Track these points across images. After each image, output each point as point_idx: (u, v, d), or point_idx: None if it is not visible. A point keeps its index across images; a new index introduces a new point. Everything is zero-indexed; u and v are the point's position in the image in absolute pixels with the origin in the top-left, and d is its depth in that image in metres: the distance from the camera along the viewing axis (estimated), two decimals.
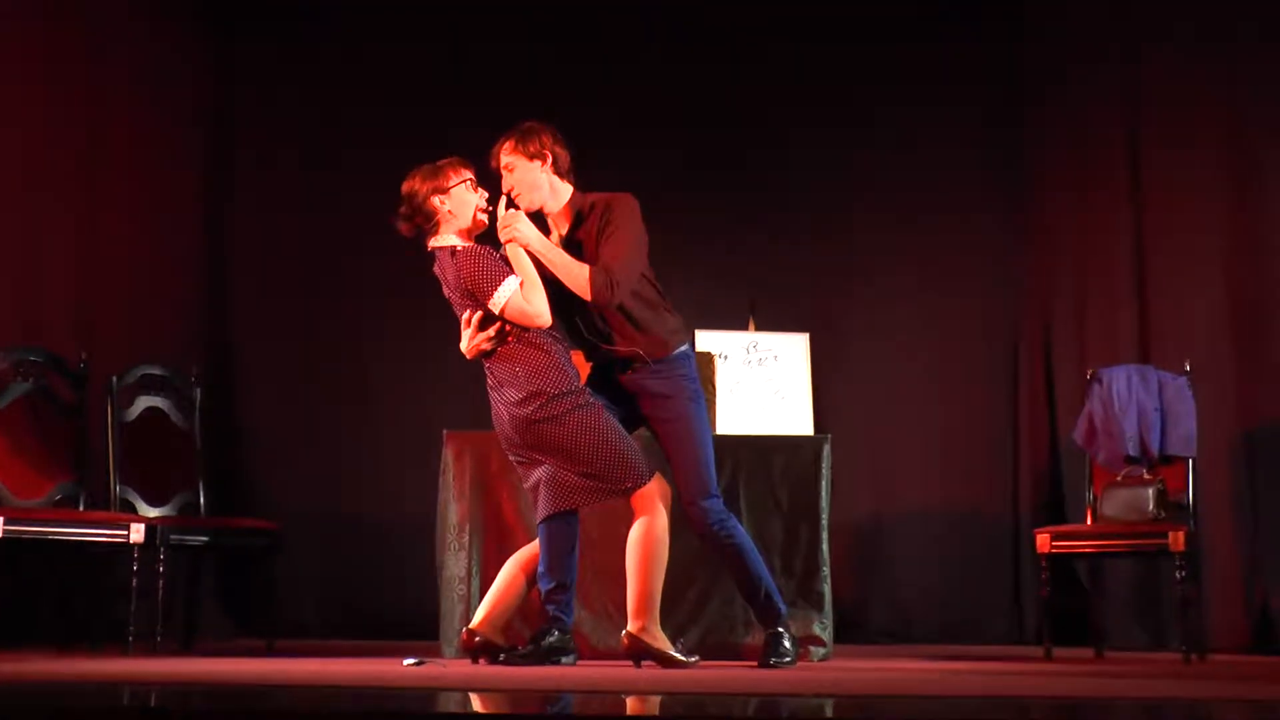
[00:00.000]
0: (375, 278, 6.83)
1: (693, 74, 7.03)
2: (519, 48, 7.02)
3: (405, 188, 4.48)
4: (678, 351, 4.56)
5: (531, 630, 4.55)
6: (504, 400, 4.47)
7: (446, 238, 4.47)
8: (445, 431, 5.19)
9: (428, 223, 4.46)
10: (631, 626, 4.35)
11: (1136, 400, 5.63)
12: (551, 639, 4.42)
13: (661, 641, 4.37)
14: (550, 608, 4.43)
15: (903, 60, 6.99)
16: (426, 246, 4.49)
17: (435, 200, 4.44)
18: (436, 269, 4.50)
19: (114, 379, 5.65)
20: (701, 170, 6.99)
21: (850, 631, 6.27)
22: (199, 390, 5.90)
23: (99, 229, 6.23)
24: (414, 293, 6.70)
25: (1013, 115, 6.92)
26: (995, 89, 6.97)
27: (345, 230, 6.87)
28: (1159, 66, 6.36)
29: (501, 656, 4.45)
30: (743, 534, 4.57)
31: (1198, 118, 6.23)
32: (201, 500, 5.80)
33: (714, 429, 5.24)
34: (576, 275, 4.40)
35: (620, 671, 4.23)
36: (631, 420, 4.57)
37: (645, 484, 4.39)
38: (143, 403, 5.71)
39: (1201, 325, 6.15)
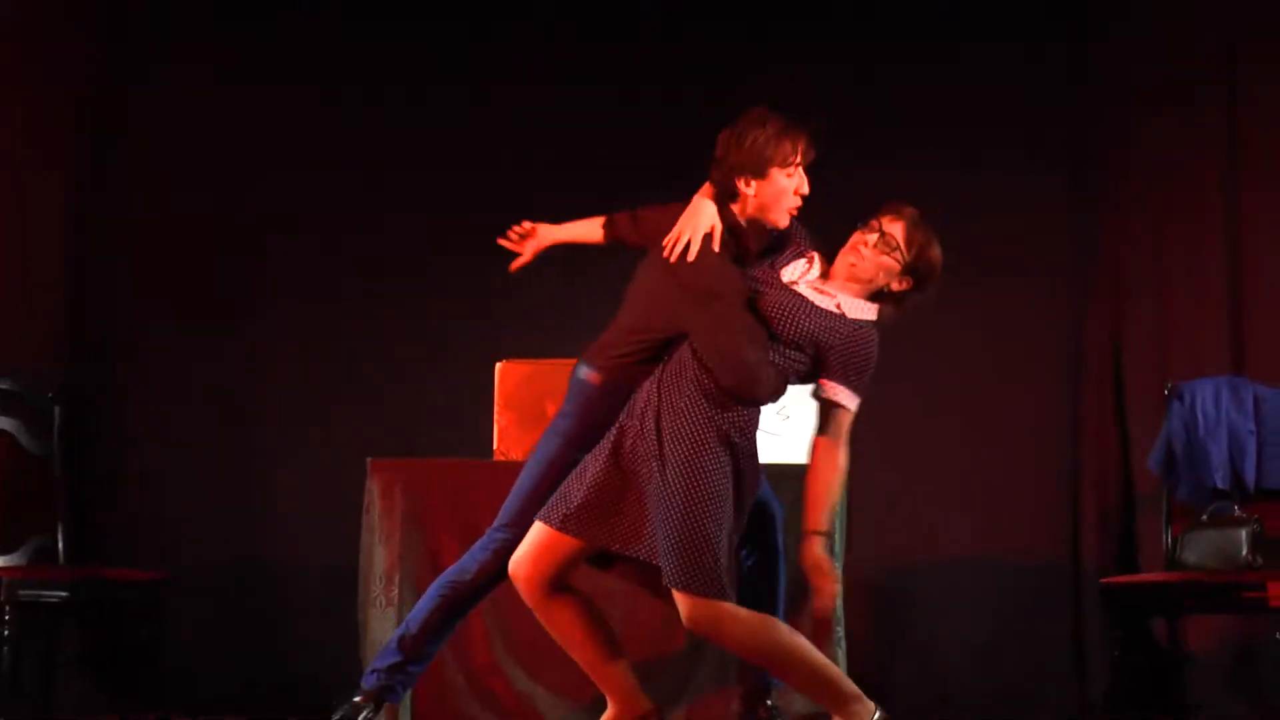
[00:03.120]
0: (283, 280, 6.76)
1: None
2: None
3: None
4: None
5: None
6: None
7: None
8: (370, 460, 5.17)
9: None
10: None
11: (1227, 420, 5.62)
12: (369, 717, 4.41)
13: None
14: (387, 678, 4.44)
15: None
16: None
17: None
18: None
19: None
20: (684, 115, 6.68)
21: None
22: (59, 409, 5.87)
23: None
24: (328, 296, 6.80)
25: (1078, 79, 6.83)
26: (1057, 45, 6.88)
27: (246, 227, 6.80)
28: (1259, 37, 6.39)
29: None
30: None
31: None
32: (60, 545, 5.76)
33: None
34: None
35: None
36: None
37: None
38: None
39: None
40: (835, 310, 4.21)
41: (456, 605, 4.46)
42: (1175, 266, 6.54)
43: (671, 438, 4.10)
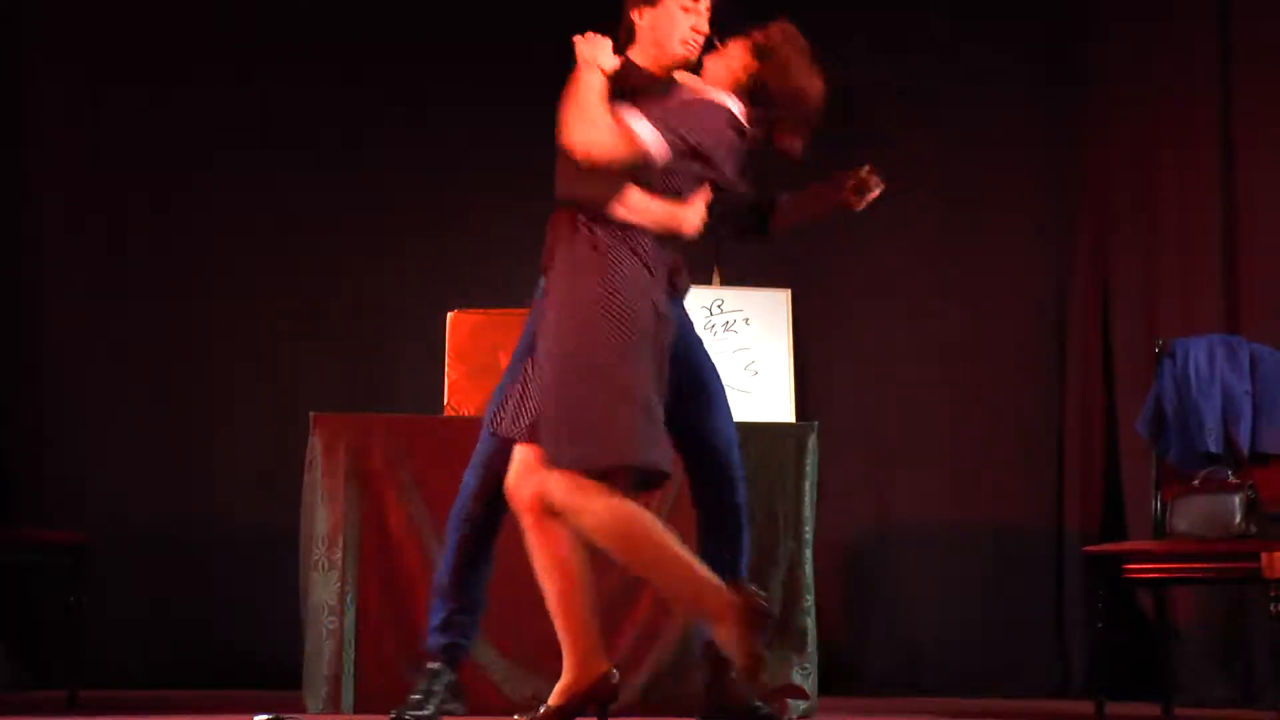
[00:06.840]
0: (213, 223, 6.73)
1: None
2: None
3: None
4: None
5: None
6: None
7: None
8: (312, 414, 5.15)
9: None
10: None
11: (1221, 380, 5.57)
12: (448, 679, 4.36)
13: None
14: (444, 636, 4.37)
15: None
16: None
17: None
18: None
19: None
20: None
21: (842, 680, 6.23)
22: None
23: None
24: (263, 239, 6.77)
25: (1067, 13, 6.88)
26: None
27: (172, 171, 6.76)
28: None
29: (392, 713, 4.31)
30: None
31: None
32: None
33: None
34: None
35: None
36: None
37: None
38: None
39: None
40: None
41: (476, 535, 4.33)
42: (1166, 216, 6.54)
43: (555, 301, 3.98)
